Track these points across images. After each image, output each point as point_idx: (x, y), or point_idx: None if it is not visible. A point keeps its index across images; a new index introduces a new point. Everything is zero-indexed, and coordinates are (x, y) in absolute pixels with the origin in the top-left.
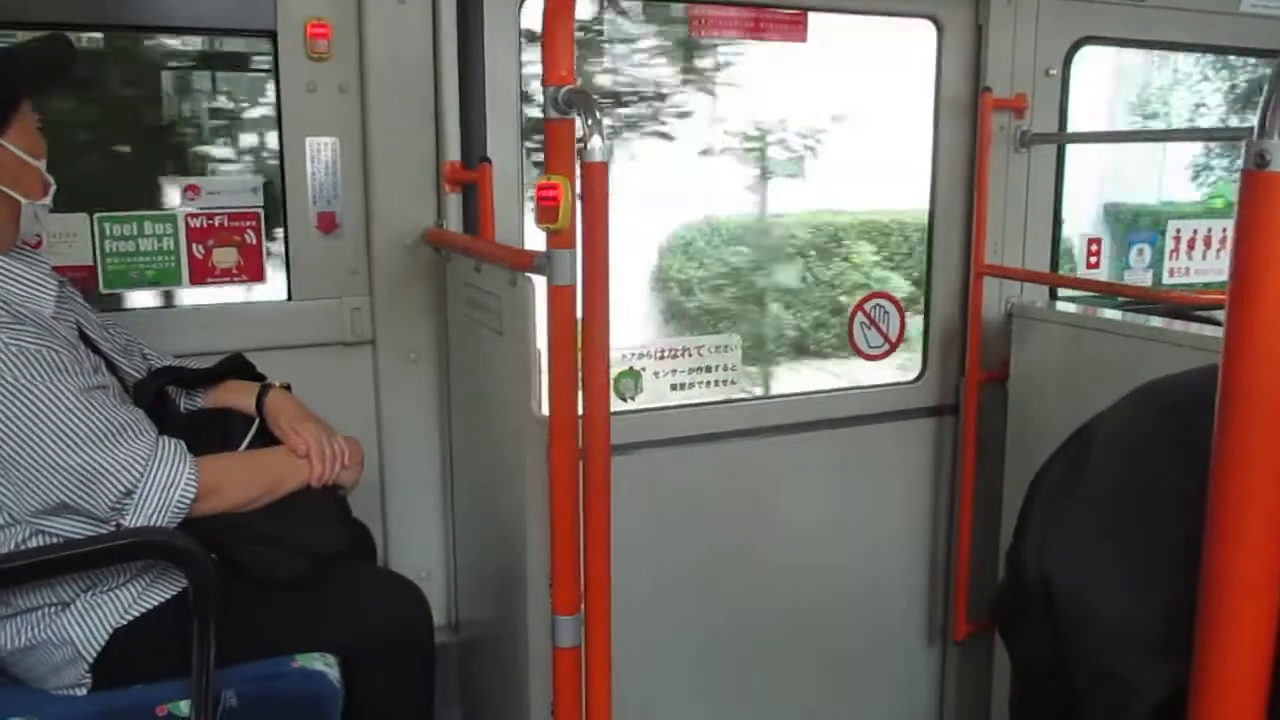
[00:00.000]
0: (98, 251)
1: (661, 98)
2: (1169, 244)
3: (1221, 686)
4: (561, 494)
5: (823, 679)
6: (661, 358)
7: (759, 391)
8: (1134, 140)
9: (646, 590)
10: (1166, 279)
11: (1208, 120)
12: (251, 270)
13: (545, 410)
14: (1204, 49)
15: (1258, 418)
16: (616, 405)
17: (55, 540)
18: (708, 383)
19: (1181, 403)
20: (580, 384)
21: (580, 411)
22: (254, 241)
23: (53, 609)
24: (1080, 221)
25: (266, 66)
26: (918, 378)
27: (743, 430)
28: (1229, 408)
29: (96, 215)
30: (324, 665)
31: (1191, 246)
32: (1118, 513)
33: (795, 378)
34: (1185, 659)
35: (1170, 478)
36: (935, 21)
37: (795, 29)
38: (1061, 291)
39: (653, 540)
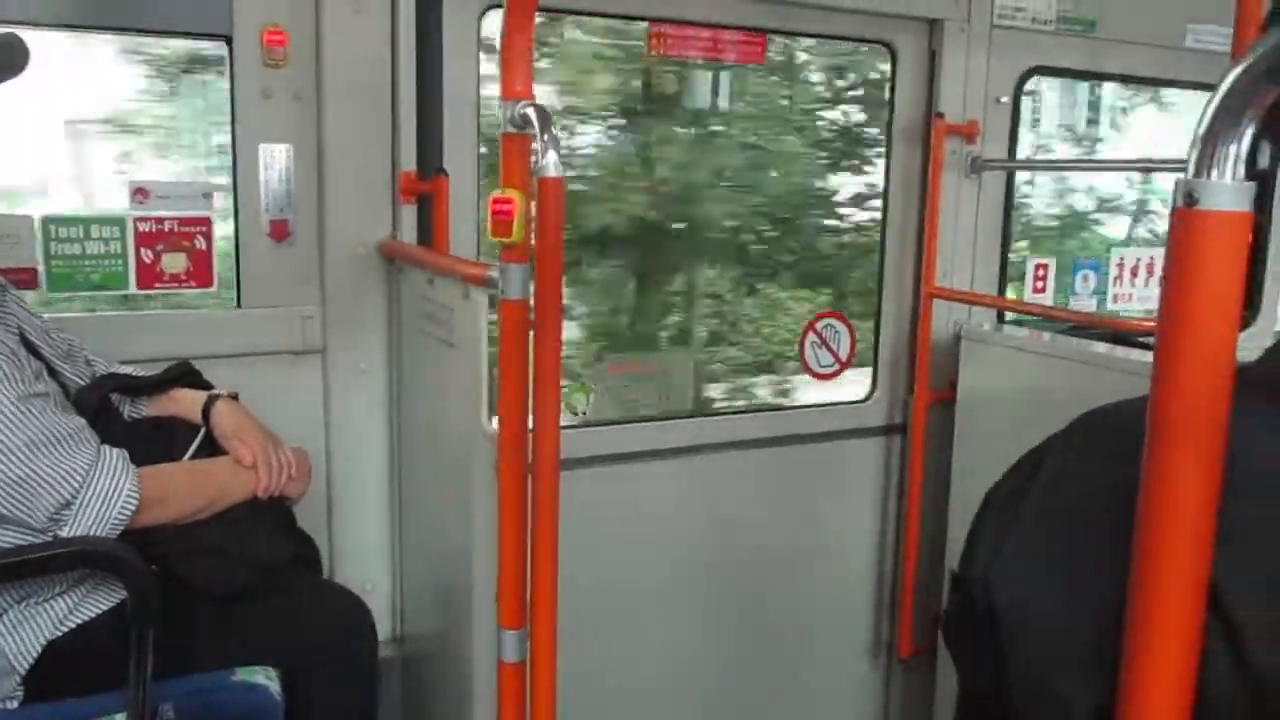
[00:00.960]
0: (42, 253)
1: None
2: (1113, 270)
3: (1147, 707)
4: (509, 508)
5: (768, 695)
6: (613, 372)
7: None
8: (1078, 169)
9: (592, 606)
10: (1110, 305)
11: None
12: (200, 276)
13: (496, 424)
14: (1150, 82)
15: (1183, 443)
16: (566, 419)
17: None
18: (658, 399)
19: (1122, 431)
20: (530, 398)
21: (530, 425)
22: (204, 247)
23: None
24: None
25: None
26: (867, 397)
27: (692, 446)
28: (1156, 434)
29: (42, 217)
30: (265, 678)
31: (1134, 274)
32: (1057, 534)
33: None
34: (1114, 676)
35: (1106, 502)
36: (889, 47)
37: (754, 50)
38: (1009, 314)
39: (600, 555)
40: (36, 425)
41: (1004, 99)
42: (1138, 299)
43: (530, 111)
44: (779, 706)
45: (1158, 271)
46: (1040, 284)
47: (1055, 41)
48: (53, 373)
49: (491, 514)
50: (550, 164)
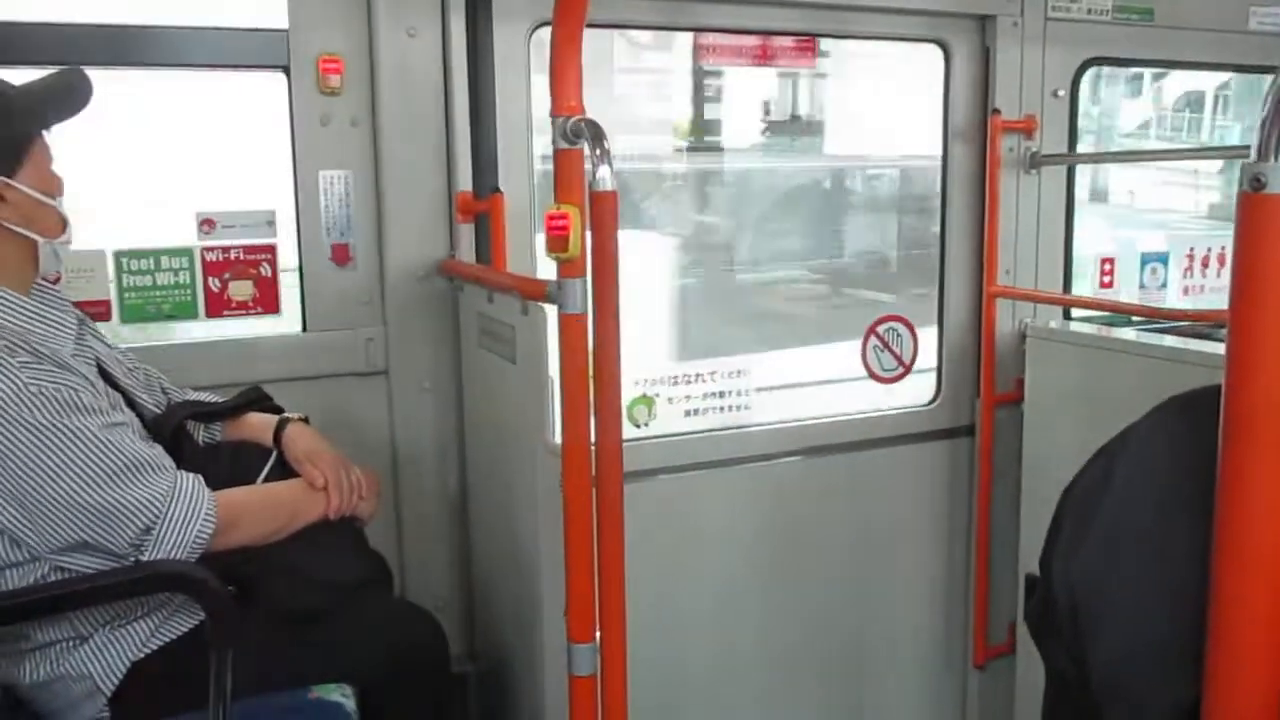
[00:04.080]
0: (115, 286)
1: None
2: (1182, 262)
3: (1232, 705)
4: (575, 521)
5: (842, 705)
6: (675, 384)
7: None
8: (1141, 160)
9: (662, 617)
10: (1181, 297)
11: None
12: (267, 303)
13: (559, 438)
14: (1212, 67)
15: (1260, 435)
16: (630, 432)
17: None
18: (721, 408)
19: (1203, 418)
20: (593, 411)
21: (593, 439)
22: (269, 274)
23: (71, 643)
24: None
25: None
26: (932, 400)
27: (757, 455)
28: (1232, 425)
29: (114, 250)
30: (341, 696)
31: (1205, 264)
32: (1139, 527)
33: None
34: (1199, 674)
35: (1186, 494)
36: (943, 46)
37: (804, 56)
38: (1075, 311)
39: (668, 567)
40: (117, 453)
41: (1061, 92)
42: (1209, 290)
43: (583, 126)
44: (853, 717)
45: (1229, 261)
46: (1107, 279)
47: (1112, 32)
48: (130, 403)
49: (558, 528)
50: (604, 178)
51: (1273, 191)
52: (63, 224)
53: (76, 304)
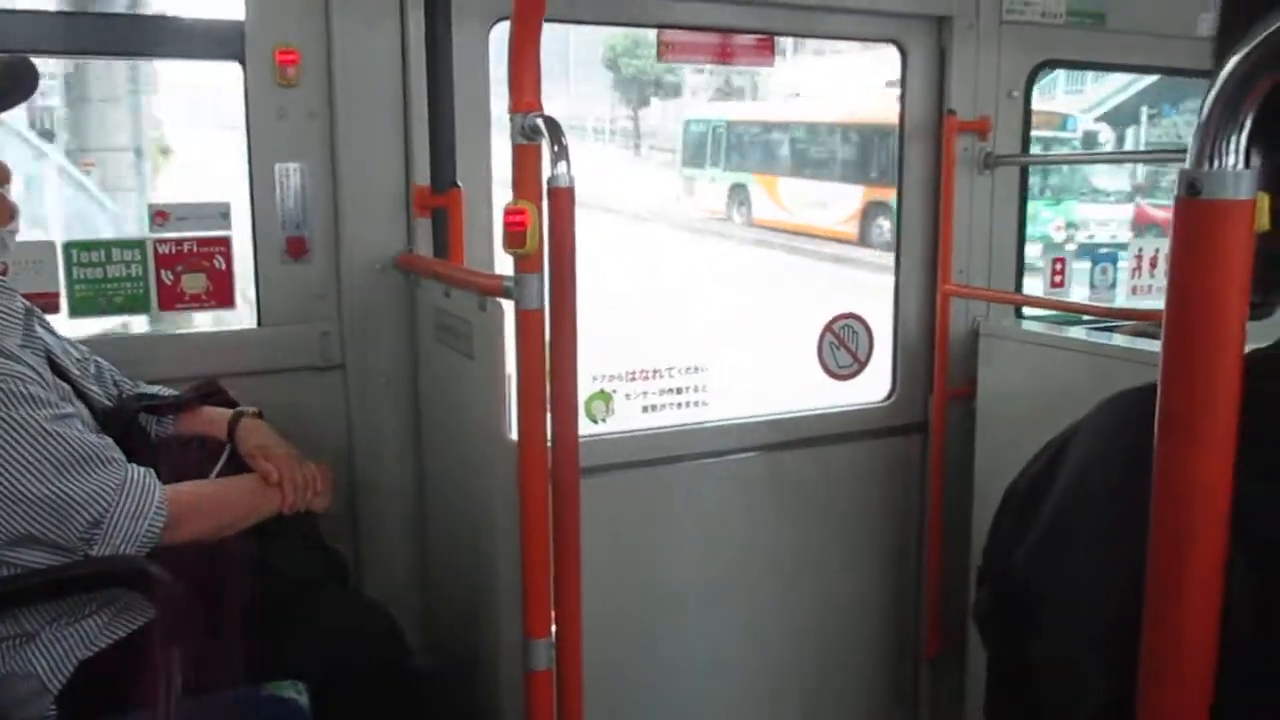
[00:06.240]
0: (65, 278)
1: None
2: (1131, 262)
3: (1166, 698)
4: (531, 517)
5: (795, 699)
6: (633, 379)
7: None
8: (1093, 161)
9: (618, 613)
10: (1130, 296)
11: None
12: (221, 296)
13: (516, 433)
14: (1162, 71)
15: (1192, 432)
16: (588, 428)
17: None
18: (679, 404)
19: (1143, 414)
20: (550, 407)
21: (550, 434)
22: (223, 267)
23: (17, 640)
24: None
25: None
26: (887, 397)
27: (713, 451)
28: (1166, 422)
29: (64, 242)
30: (295, 693)
31: (1154, 265)
32: (1083, 519)
33: None
34: (1134, 664)
35: (1130, 487)
36: (899, 46)
37: (763, 53)
38: (1027, 309)
39: (624, 562)
40: (66, 445)
41: (1015, 94)
42: (1157, 290)
43: (540, 122)
44: (805, 710)
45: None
46: (1058, 278)
47: (1065, 35)
48: (80, 395)
49: (515, 523)
50: (562, 174)
51: (1207, 197)
52: (10, 213)
53: (25, 296)
